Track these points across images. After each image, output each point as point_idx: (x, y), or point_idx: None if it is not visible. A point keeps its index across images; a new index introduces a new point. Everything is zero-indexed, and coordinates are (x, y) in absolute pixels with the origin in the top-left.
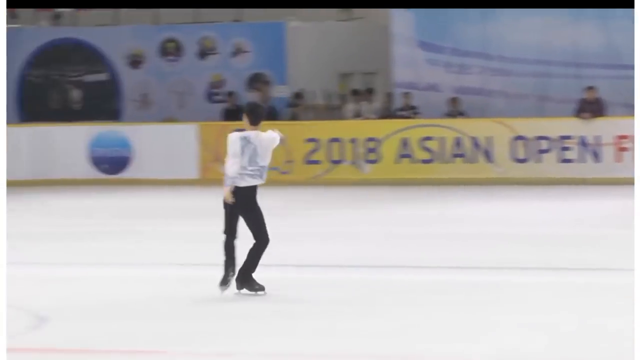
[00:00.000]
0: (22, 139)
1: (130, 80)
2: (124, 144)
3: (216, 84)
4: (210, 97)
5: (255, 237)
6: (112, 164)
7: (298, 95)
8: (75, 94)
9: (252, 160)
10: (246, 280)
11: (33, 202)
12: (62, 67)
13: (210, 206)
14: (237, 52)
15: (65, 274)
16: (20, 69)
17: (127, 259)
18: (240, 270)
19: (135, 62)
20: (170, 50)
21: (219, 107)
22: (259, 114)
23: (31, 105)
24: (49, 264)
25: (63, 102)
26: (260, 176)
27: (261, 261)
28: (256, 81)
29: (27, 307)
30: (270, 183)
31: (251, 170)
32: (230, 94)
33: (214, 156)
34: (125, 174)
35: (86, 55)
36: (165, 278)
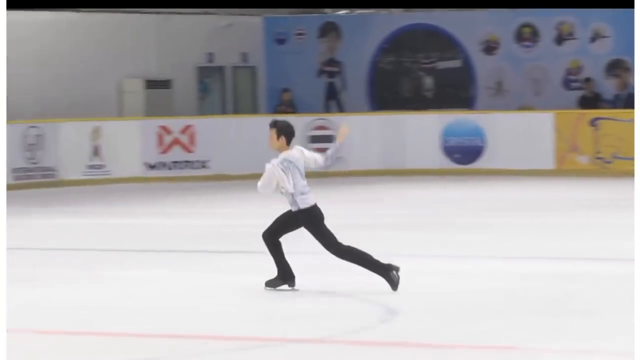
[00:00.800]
0: (373, 127)
1: (484, 67)
2: (477, 132)
3: (573, 71)
4: (567, 84)
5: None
6: (464, 154)
7: None
8: (428, 82)
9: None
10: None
11: (384, 192)
12: (414, 53)
13: (566, 198)
14: (596, 37)
15: (414, 267)
16: (372, 56)
17: (475, 252)
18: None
19: (490, 48)
20: (526, 35)
21: (576, 95)
22: (293, 134)
23: (382, 93)
24: (398, 256)
25: (415, 90)
26: None
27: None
28: (616, 68)
29: (379, 300)
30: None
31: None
32: (587, 80)
33: (570, 146)
34: (477, 164)
35: (439, 41)
36: (512, 273)
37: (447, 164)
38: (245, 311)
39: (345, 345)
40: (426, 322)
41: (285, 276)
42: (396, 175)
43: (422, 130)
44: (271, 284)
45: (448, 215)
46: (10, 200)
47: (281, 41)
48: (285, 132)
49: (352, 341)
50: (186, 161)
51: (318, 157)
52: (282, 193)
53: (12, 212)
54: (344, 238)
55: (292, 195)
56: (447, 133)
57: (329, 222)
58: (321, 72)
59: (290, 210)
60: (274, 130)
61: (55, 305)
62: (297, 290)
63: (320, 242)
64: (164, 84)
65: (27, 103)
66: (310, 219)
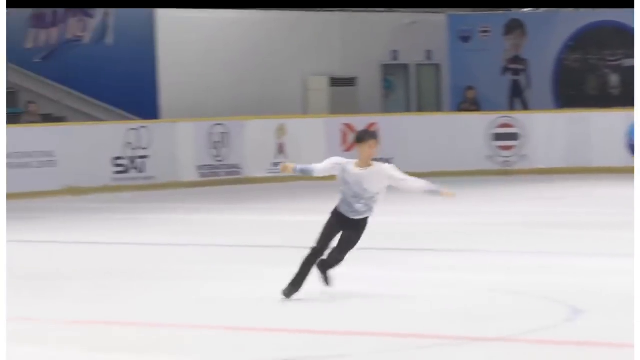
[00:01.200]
0: (558, 125)
1: None
2: None
3: None
4: None
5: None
6: None
7: None
8: (613, 79)
9: None
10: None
11: (568, 190)
12: (600, 50)
13: None
14: None
15: (598, 265)
16: (557, 53)
17: None
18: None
19: None
20: None
21: None
22: None
23: (567, 91)
24: (581, 255)
25: (601, 87)
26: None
27: None
28: None
29: (563, 299)
30: None
31: None
32: None
33: None
34: None
35: (626, 38)
36: None
37: (633, 162)
38: (425, 309)
39: (527, 344)
40: (611, 321)
41: (298, 284)
42: (580, 174)
43: (608, 128)
44: (289, 293)
45: (632, 214)
46: (195, 197)
47: (466, 39)
48: (376, 139)
49: (534, 340)
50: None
51: None
52: (374, 199)
53: (197, 209)
54: (527, 236)
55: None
56: (633, 131)
57: (514, 220)
58: (506, 70)
59: (340, 215)
60: (375, 141)
61: (257, 301)
62: (482, 288)
63: (351, 245)
64: (349, 82)
65: (213, 101)
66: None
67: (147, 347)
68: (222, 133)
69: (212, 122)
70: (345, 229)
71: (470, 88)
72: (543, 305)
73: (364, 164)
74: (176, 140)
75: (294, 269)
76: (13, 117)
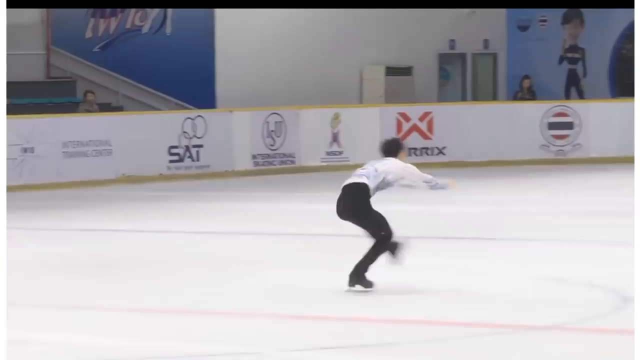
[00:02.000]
0: (613, 114)
1: None
2: None
3: None
4: None
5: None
6: None
7: None
8: None
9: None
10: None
11: (624, 179)
12: None
13: None
14: None
15: None
16: (614, 42)
17: None
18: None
19: None
20: None
21: None
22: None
23: (624, 80)
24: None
25: None
26: None
27: None
28: None
29: (614, 288)
30: None
31: None
32: None
33: None
34: None
35: None
36: None
37: None
38: (472, 297)
39: (577, 332)
40: None
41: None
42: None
43: None
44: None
45: None
46: (250, 186)
47: (524, 28)
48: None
49: (582, 328)
50: (423, 148)
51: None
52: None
53: (251, 198)
54: (579, 225)
55: None
56: None
57: (566, 209)
58: (563, 59)
59: None
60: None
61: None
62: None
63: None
64: (405, 71)
65: (269, 90)
66: None
67: (202, 336)
68: (277, 122)
69: (268, 111)
70: None
71: (526, 77)
72: (593, 294)
73: None
74: (232, 130)
75: (348, 257)
76: (71, 106)
